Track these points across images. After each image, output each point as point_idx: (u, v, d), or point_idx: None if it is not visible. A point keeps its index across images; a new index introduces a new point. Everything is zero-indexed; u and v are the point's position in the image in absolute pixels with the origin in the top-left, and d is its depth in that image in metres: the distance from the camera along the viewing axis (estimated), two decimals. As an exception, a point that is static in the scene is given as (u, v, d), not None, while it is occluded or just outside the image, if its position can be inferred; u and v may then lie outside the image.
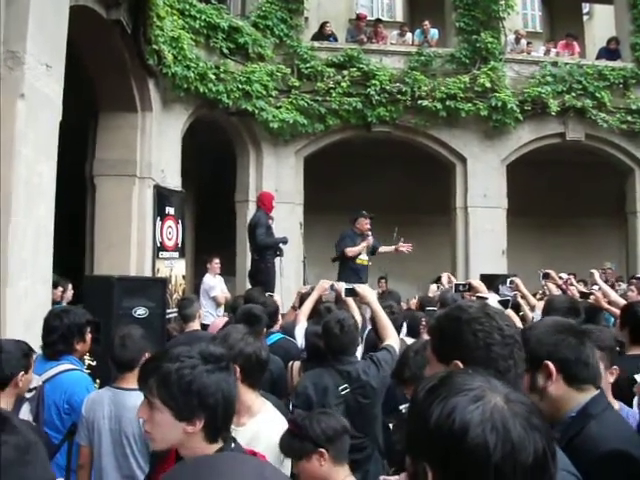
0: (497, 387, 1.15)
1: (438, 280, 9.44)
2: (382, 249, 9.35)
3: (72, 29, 6.23)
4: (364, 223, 9.00)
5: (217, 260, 10.05)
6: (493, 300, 4.92)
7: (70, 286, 7.41)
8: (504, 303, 5.02)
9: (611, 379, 2.74)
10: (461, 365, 1.68)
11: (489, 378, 1.19)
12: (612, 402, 2.50)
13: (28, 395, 3.51)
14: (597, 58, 14.14)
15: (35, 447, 1.17)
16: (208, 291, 9.76)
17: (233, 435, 2.01)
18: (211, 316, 9.20)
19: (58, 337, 3.86)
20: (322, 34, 13.43)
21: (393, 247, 9.32)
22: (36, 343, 3.88)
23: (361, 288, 3.98)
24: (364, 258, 8.96)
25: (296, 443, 2.55)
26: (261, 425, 2.63)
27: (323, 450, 2.58)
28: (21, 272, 5.14)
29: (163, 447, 1.95)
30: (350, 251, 8.83)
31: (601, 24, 18.06)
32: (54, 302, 6.52)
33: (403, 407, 3.65)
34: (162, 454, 2.07)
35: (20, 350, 3.28)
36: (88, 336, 4.02)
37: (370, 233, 8.97)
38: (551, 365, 2.02)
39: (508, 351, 1.76)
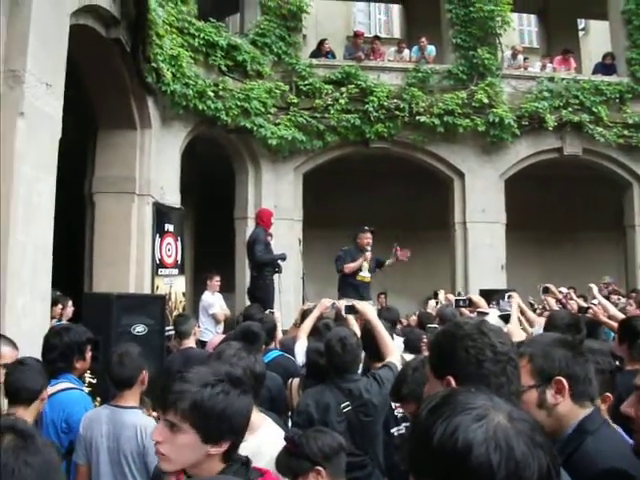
0: (500, 405, 1.15)
1: (435, 296, 9.43)
2: (388, 262, 9.27)
3: (72, 48, 6.29)
4: (364, 238, 8.89)
5: (218, 278, 10.03)
6: (494, 315, 4.93)
7: (70, 303, 7.40)
8: (505, 318, 5.03)
9: (603, 406, 2.55)
10: (453, 381, 1.70)
11: (492, 396, 1.19)
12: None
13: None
14: (593, 73, 14.22)
15: (55, 469, 1.17)
16: (207, 308, 9.74)
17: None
18: (210, 333, 9.19)
19: (58, 355, 3.85)
20: (320, 51, 13.51)
21: (393, 259, 9.25)
22: (35, 360, 3.88)
23: (361, 305, 3.98)
24: (365, 275, 8.83)
25: (293, 461, 2.54)
26: (263, 440, 2.62)
27: (320, 468, 2.56)
28: (20, 290, 5.14)
29: (177, 468, 1.93)
30: (347, 267, 8.77)
31: (597, 39, 18.17)
32: (54, 319, 6.51)
33: (395, 430, 3.65)
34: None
35: (41, 365, 3.35)
36: (88, 354, 4.01)
37: (369, 249, 8.86)
38: (564, 381, 2.02)
39: (500, 368, 1.76)
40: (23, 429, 1.21)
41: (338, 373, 3.88)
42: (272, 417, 3.64)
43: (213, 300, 9.81)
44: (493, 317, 4.82)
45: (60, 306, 6.78)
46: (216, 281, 9.99)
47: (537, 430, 1.13)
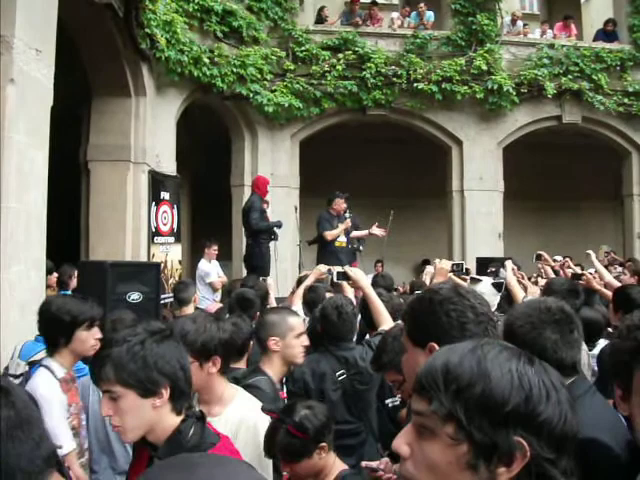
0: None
1: (424, 263, 9.45)
2: (355, 233, 9.38)
3: (63, 13, 6.18)
4: (340, 203, 9.06)
5: (215, 246, 9.94)
6: (487, 283, 4.92)
7: (76, 273, 7.36)
8: (498, 285, 5.02)
9: None
10: (437, 347, 1.66)
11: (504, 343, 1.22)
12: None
13: (16, 382, 3.51)
14: (594, 40, 14.04)
15: (30, 424, 1.17)
16: (204, 277, 9.74)
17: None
18: (207, 301, 9.20)
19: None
20: (322, 17, 13.35)
21: (367, 231, 9.34)
22: (30, 329, 3.88)
23: (353, 272, 3.95)
24: (342, 240, 9.01)
25: (297, 444, 2.54)
26: (238, 412, 2.61)
27: (324, 444, 2.58)
28: (14, 258, 5.12)
29: (136, 436, 1.93)
30: (329, 234, 8.91)
31: (598, 6, 17.92)
32: (49, 288, 6.51)
33: (390, 401, 3.66)
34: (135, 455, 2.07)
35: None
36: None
37: (347, 215, 9.02)
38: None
39: (482, 329, 1.77)
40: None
41: (333, 341, 3.90)
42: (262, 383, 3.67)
43: (209, 268, 9.79)
44: (486, 285, 4.82)
45: (55, 274, 6.77)
46: (214, 249, 9.92)
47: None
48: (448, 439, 1.08)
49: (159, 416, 1.89)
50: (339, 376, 3.83)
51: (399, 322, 3.23)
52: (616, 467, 1.77)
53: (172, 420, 1.91)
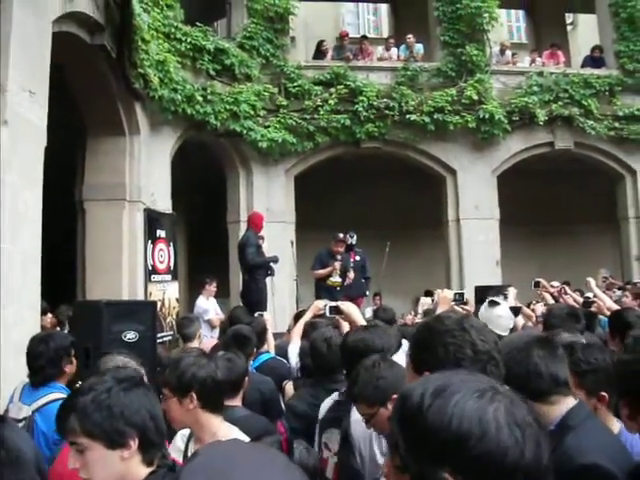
0: (498, 387, 1.13)
1: (427, 294, 9.47)
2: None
3: (56, 55, 6.26)
4: (336, 246, 9.39)
5: (215, 284, 10.04)
6: (505, 307, 4.87)
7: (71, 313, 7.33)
8: (515, 310, 5.00)
9: (599, 405, 2.44)
10: None
11: (490, 380, 1.18)
12: (613, 424, 2.36)
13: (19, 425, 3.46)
14: (582, 66, 14.22)
15: (19, 465, 1.14)
16: (202, 314, 9.69)
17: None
18: (205, 338, 9.12)
19: (46, 361, 3.80)
20: (321, 53, 13.51)
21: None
22: (25, 369, 3.84)
23: (345, 306, 3.92)
24: (335, 280, 9.30)
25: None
26: None
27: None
28: (9, 299, 5.09)
29: None
30: (315, 273, 9.32)
31: (585, 33, 18.18)
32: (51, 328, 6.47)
33: None
34: None
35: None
36: (73, 359, 3.97)
37: (339, 258, 9.34)
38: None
39: (479, 367, 1.70)
40: None
41: (324, 373, 3.85)
42: (263, 422, 3.61)
43: (207, 305, 9.77)
44: (504, 308, 4.77)
45: (50, 315, 6.73)
46: (214, 287, 10.00)
47: (533, 412, 1.11)
48: (395, 469, 1.09)
49: (127, 468, 1.80)
50: None
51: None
52: None
53: (142, 472, 1.82)
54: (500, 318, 4.48)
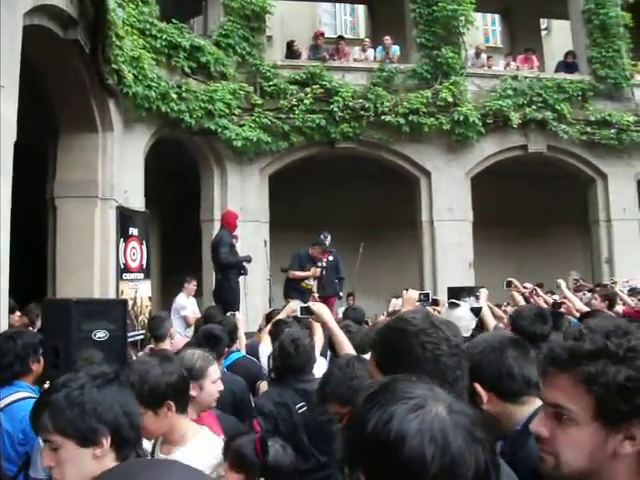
0: (440, 396, 1.11)
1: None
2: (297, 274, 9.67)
3: (28, 49, 6.17)
4: (317, 252, 9.48)
5: (195, 282, 10.14)
6: (465, 307, 4.92)
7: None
8: (476, 311, 5.03)
9: None
10: None
11: (433, 386, 1.15)
12: None
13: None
14: (556, 71, 14.43)
15: None
16: (179, 310, 9.70)
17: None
18: (178, 335, 9.08)
19: (13, 358, 3.75)
20: (292, 53, 13.48)
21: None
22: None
23: (316, 307, 3.92)
24: (309, 283, 9.41)
25: None
26: (192, 452, 2.52)
27: None
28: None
29: None
30: (292, 274, 9.38)
31: (559, 38, 18.40)
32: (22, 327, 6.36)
33: None
34: None
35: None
36: (41, 358, 3.91)
37: (320, 265, 9.49)
38: (478, 386, 2.03)
39: (456, 361, 1.73)
40: None
41: (292, 374, 3.85)
42: (232, 422, 3.59)
43: (185, 303, 9.77)
44: (464, 309, 4.81)
45: (18, 314, 6.62)
46: (193, 285, 10.10)
47: (478, 425, 1.08)
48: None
49: (100, 466, 1.74)
50: (299, 408, 3.77)
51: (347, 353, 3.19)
52: None
53: None
54: (460, 319, 4.51)
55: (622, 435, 1.24)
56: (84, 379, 1.82)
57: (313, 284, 9.32)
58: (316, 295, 9.30)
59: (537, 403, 2.06)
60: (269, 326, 5.17)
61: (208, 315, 6.00)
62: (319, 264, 9.41)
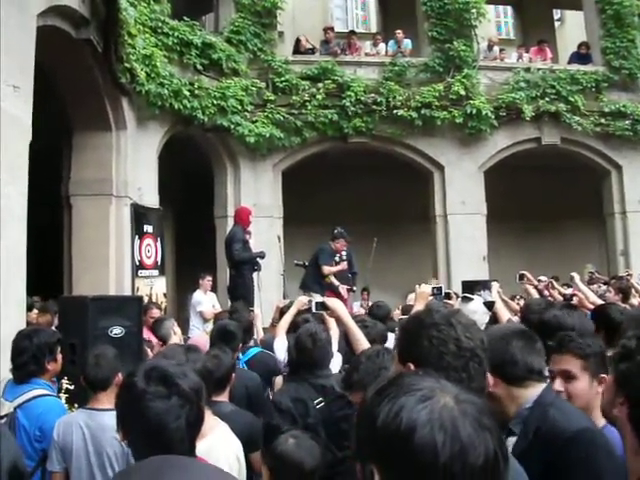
0: (447, 387, 1.13)
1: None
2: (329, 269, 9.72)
3: (42, 49, 6.20)
4: (342, 244, 9.46)
5: (209, 277, 10.13)
6: (479, 301, 4.90)
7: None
8: (489, 305, 5.02)
9: (599, 389, 2.50)
10: (413, 368, 1.69)
11: (439, 379, 1.18)
12: (598, 421, 2.42)
13: (1, 422, 3.44)
14: (569, 63, 14.30)
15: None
16: (195, 306, 9.77)
17: None
18: (198, 330, 9.21)
19: (29, 357, 3.77)
20: (300, 49, 13.48)
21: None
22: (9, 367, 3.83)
23: (331, 302, 3.93)
24: (332, 278, 9.45)
25: None
26: (212, 444, 2.56)
27: None
28: (-7, 296, 5.06)
29: None
30: (327, 269, 9.33)
31: (572, 29, 18.26)
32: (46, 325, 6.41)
33: None
34: None
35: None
36: (59, 356, 3.94)
37: (344, 258, 9.54)
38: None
39: (462, 363, 1.73)
40: None
41: (309, 369, 3.85)
42: (248, 417, 3.61)
43: (202, 298, 9.85)
44: (478, 304, 4.80)
45: (35, 311, 6.69)
46: (207, 280, 10.08)
47: (485, 413, 1.10)
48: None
49: None
50: (317, 404, 3.78)
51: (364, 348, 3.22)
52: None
53: None
54: (474, 314, 4.50)
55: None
56: None
57: (333, 279, 9.36)
58: (345, 287, 9.43)
59: (540, 387, 2.23)
60: (282, 321, 5.18)
61: (233, 310, 6.05)
62: (344, 257, 9.49)
